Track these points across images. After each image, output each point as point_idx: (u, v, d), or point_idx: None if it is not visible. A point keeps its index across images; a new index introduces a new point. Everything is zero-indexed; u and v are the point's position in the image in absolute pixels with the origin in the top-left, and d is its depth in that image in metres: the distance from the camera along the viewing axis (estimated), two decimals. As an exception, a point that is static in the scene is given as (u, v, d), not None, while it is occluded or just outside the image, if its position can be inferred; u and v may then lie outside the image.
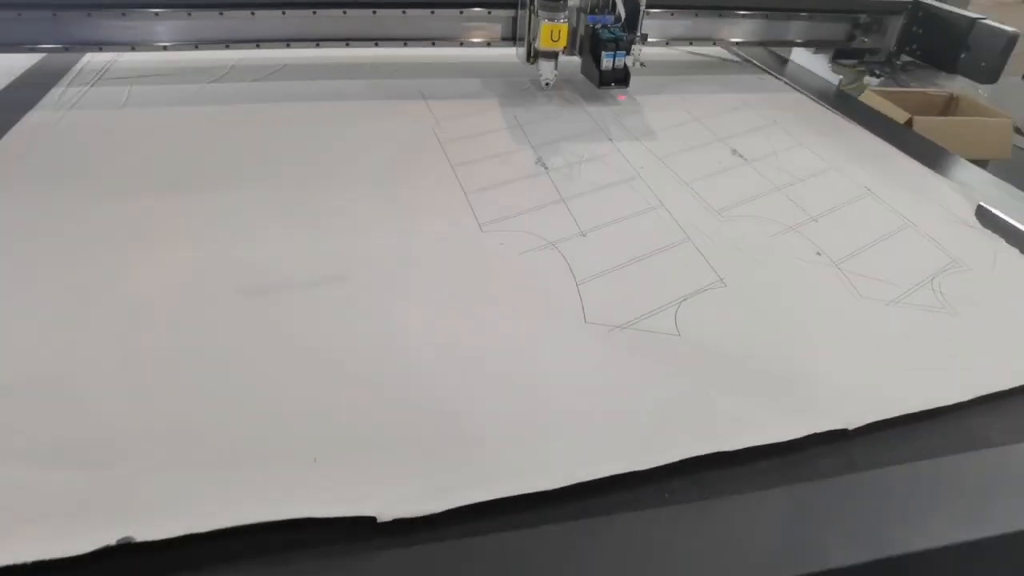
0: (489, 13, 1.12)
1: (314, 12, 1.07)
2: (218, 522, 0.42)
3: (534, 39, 1.06)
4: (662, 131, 1.03)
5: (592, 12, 1.07)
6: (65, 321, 0.58)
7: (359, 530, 0.43)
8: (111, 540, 0.40)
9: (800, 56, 1.42)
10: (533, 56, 1.09)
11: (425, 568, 0.42)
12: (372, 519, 0.43)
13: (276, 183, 0.82)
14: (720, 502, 0.47)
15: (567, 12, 1.03)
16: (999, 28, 1.13)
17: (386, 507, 0.43)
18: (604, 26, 1.06)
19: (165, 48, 1.06)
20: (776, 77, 1.31)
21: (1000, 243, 0.79)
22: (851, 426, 0.52)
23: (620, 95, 1.14)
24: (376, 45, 1.11)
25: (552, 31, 1.01)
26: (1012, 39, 1.10)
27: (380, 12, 1.08)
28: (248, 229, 0.72)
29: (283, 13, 1.06)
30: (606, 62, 1.05)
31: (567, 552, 0.43)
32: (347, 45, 1.11)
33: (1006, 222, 0.84)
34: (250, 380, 0.53)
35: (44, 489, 0.44)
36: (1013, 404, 0.57)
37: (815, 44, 1.34)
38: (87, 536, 0.40)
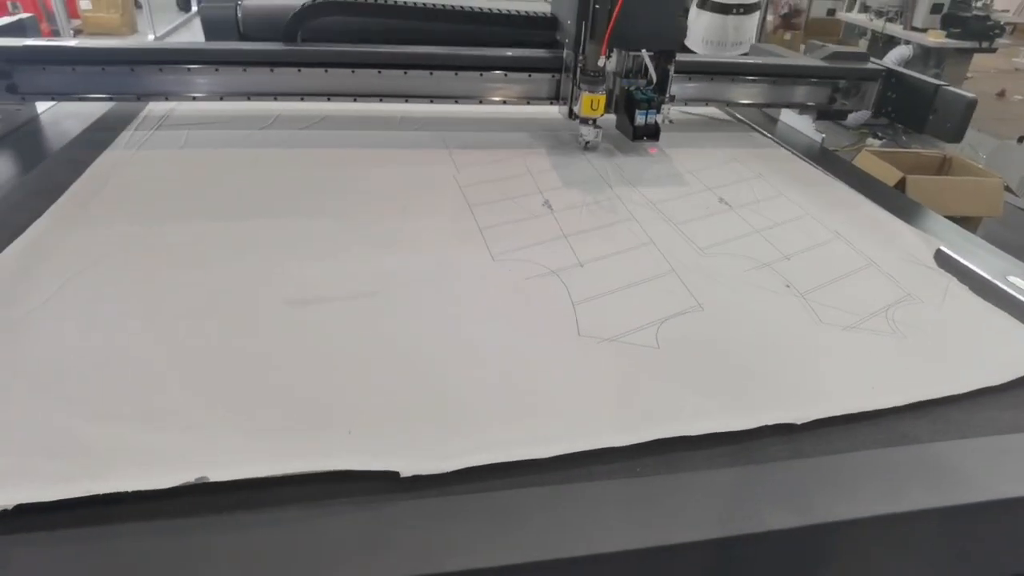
0: (544, 77, 1.29)
1: (353, 71, 1.23)
2: (273, 470, 0.52)
3: (575, 104, 1.21)
4: (658, 179, 1.16)
5: (627, 76, 1.23)
6: (142, 323, 0.71)
7: (385, 484, 0.54)
8: (191, 478, 0.51)
9: (787, 116, 1.56)
10: (574, 116, 1.24)
11: (438, 515, 0.52)
12: (396, 474, 0.53)
13: (316, 217, 0.95)
14: (682, 476, 0.57)
15: (605, 84, 1.18)
16: (960, 93, 1.26)
17: (408, 465, 0.54)
18: (637, 88, 1.22)
19: (221, 98, 1.23)
20: (765, 134, 1.46)
21: (952, 281, 0.89)
22: (799, 421, 0.62)
23: (651, 148, 1.28)
24: (430, 102, 1.28)
25: (592, 101, 1.17)
26: (972, 103, 1.23)
27: (427, 73, 1.26)
28: (295, 255, 0.85)
29: (326, 71, 1.22)
30: (639, 119, 1.21)
31: (551, 509, 0.53)
32: (380, 100, 1.25)
33: (961, 264, 0.94)
34: (297, 370, 0.65)
35: (142, 442, 0.55)
36: (941, 410, 0.66)
37: (802, 107, 1.48)
38: (173, 475, 0.51)
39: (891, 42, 4.15)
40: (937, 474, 0.58)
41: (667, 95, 1.23)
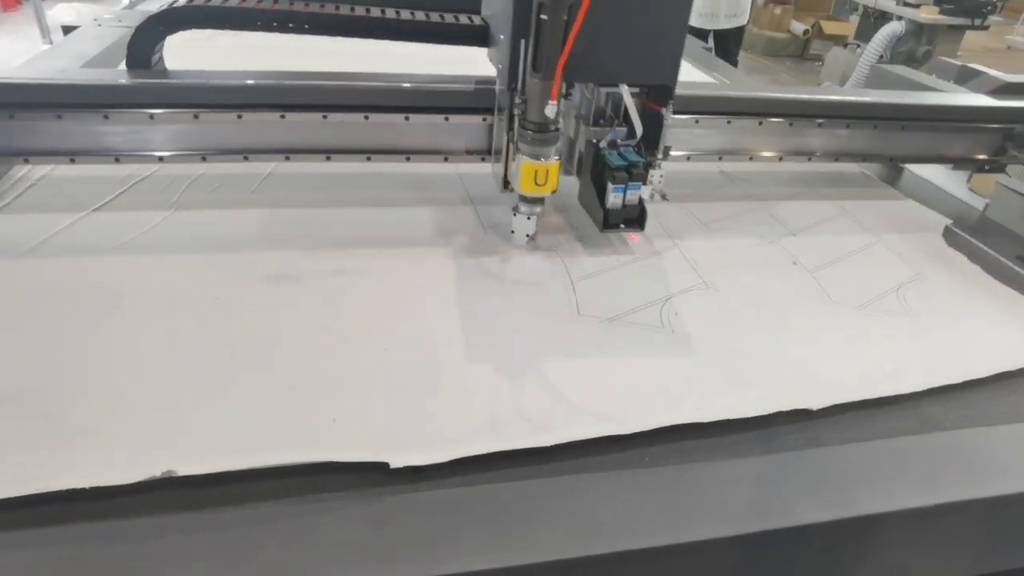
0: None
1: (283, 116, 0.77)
2: (251, 462, 0.48)
3: (512, 175, 0.75)
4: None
5: (595, 122, 0.77)
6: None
7: (373, 476, 0.49)
8: (157, 472, 0.46)
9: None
10: (509, 187, 0.77)
11: (433, 510, 0.47)
12: (385, 464, 0.49)
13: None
14: (698, 466, 0.53)
15: (559, 147, 0.72)
16: None
17: (398, 455, 0.49)
18: (612, 143, 0.76)
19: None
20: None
21: (963, 259, 0.86)
22: (814, 407, 0.58)
23: (632, 234, 0.81)
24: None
25: (537, 172, 0.70)
26: None
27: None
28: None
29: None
30: (613, 198, 0.75)
31: (560, 503, 0.49)
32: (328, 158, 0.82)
33: (971, 242, 0.91)
34: (280, 356, 0.60)
35: (106, 432, 0.50)
36: (964, 395, 0.63)
37: (943, 159, 1.03)
38: (136, 469, 0.46)
39: (883, 18, 4.10)
40: (972, 463, 0.54)
41: (658, 155, 0.76)
